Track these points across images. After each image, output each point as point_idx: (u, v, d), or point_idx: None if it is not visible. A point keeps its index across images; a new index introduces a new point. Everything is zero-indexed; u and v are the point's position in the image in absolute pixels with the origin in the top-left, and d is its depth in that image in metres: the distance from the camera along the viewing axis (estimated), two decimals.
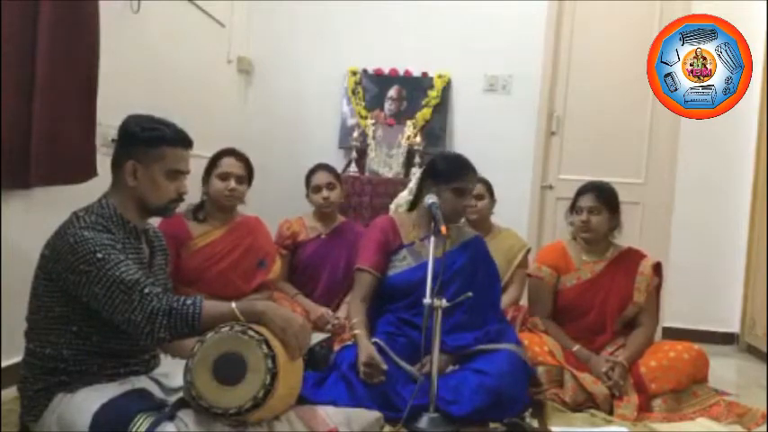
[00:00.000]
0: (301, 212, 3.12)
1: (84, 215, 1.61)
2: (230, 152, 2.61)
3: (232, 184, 2.53)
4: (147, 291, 1.50)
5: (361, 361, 2.06)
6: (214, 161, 2.60)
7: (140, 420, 1.46)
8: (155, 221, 1.87)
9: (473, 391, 2.03)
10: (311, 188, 3.01)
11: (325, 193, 2.97)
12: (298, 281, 3.00)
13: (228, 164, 2.57)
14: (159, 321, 1.49)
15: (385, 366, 2.06)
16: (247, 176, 2.62)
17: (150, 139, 1.65)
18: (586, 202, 2.60)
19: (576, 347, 2.52)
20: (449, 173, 2.31)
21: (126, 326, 1.51)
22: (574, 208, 2.66)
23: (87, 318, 1.58)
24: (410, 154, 3.85)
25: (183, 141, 1.71)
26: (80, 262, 1.51)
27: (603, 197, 2.60)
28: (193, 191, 2.47)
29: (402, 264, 2.35)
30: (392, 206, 3.32)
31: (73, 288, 1.54)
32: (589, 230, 2.60)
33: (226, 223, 2.60)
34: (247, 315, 1.54)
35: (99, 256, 1.51)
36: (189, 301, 1.52)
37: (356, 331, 2.19)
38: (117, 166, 1.69)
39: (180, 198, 1.75)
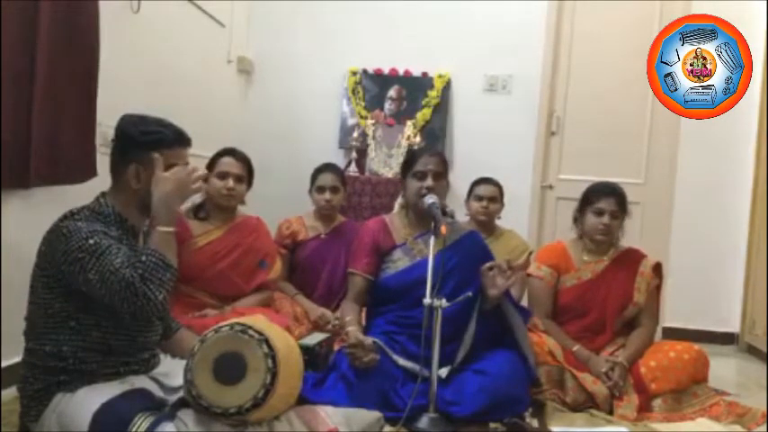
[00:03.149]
0: (301, 212, 3.13)
1: (78, 212, 1.62)
2: (229, 152, 2.62)
3: (230, 183, 2.54)
4: (123, 271, 1.49)
5: (348, 344, 2.08)
6: (213, 160, 2.61)
7: (140, 420, 1.46)
8: None
9: (474, 392, 2.03)
10: (315, 187, 3.02)
11: (328, 195, 2.98)
12: (297, 280, 3.00)
13: (227, 163, 2.57)
14: (141, 288, 1.49)
15: (370, 340, 2.08)
16: (247, 176, 2.62)
17: (152, 141, 1.65)
18: (610, 206, 2.58)
19: (575, 347, 2.51)
20: (408, 161, 2.40)
21: (125, 307, 1.50)
22: (590, 208, 2.62)
23: (86, 312, 1.58)
24: None
25: (182, 141, 1.72)
26: (74, 249, 1.52)
27: (623, 201, 2.61)
28: None
29: (396, 264, 2.36)
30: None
31: (69, 277, 1.54)
32: (609, 233, 2.59)
33: (226, 223, 2.60)
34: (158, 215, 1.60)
35: (91, 242, 1.52)
36: (144, 258, 1.52)
37: (349, 328, 2.20)
38: (118, 169, 1.68)
39: None
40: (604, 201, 2.59)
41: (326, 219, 3.06)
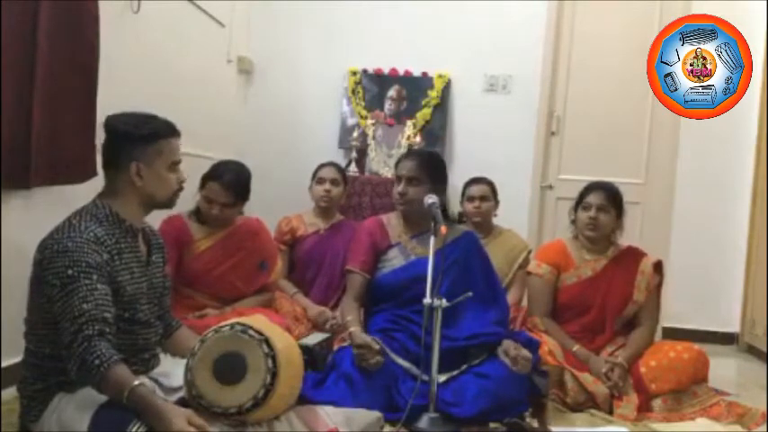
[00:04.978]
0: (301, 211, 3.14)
1: (78, 223, 1.59)
2: (220, 174, 2.47)
3: (215, 210, 2.49)
4: (84, 329, 1.46)
5: (354, 344, 2.08)
6: (205, 180, 2.50)
7: (140, 420, 1.45)
8: (156, 222, 1.87)
9: (475, 394, 2.04)
10: (315, 180, 3.07)
11: (327, 186, 3.02)
12: (297, 276, 3.02)
13: (212, 190, 2.46)
14: (72, 363, 1.47)
15: (377, 346, 2.08)
16: (234, 201, 2.50)
17: (147, 136, 1.65)
18: (596, 199, 2.60)
19: (575, 347, 2.51)
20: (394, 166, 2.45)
21: (65, 343, 1.49)
22: (580, 204, 2.65)
23: None
24: None
25: (174, 131, 1.73)
26: (53, 272, 1.52)
27: (613, 197, 2.61)
28: (193, 190, 2.47)
29: (392, 263, 2.37)
30: None
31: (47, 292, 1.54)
32: (596, 228, 2.59)
33: (227, 226, 2.58)
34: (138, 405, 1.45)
35: (70, 272, 1.50)
36: (97, 362, 1.44)
37: (351, 328, 2.20)
38: (117, 169, 1.67)
39: (181, 187, 1.76)
40: (592, 195, 2.62)
41: (325, 214, 3.08)
